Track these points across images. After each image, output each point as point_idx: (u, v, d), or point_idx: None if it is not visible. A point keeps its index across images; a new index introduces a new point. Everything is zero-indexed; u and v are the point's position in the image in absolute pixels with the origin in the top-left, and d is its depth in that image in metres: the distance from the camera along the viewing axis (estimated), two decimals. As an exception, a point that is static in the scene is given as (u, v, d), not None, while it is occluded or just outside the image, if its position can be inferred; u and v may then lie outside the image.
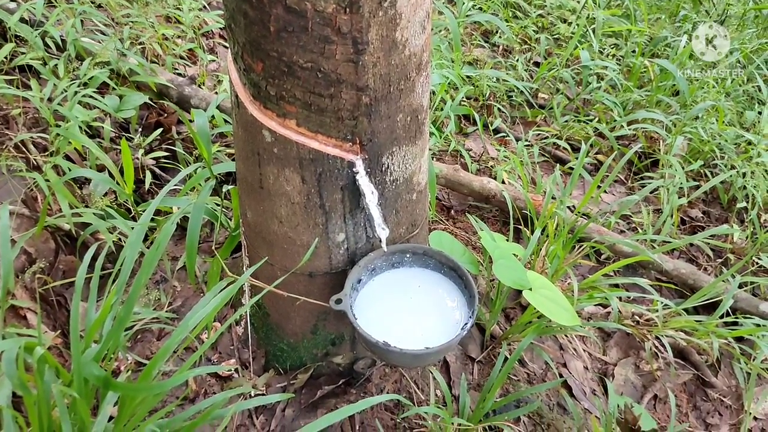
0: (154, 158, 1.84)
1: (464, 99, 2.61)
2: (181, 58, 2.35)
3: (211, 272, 1.40)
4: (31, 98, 1.57)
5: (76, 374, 0.91)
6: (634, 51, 3.12)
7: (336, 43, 0.99)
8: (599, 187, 2.34)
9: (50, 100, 1.70)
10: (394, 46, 1.05)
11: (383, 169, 1.21)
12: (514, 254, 1.59)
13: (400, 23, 1.02)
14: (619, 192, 2.57)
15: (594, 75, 2.86)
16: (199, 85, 2.11)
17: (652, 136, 2.76)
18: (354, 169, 1.16)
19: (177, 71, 2.25)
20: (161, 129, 1.93)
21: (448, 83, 2.41)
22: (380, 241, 1.22)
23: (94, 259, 1.57)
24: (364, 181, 1.16)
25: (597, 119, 2.73)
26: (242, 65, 1.08)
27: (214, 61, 2.42)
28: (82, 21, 1.93)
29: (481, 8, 3.15)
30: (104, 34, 2.08)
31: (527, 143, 2.49)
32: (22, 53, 1.76)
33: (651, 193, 2.52)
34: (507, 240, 1.72)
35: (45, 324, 1.33)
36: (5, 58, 1.73)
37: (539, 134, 2.64)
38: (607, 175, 2.41)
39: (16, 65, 1.73)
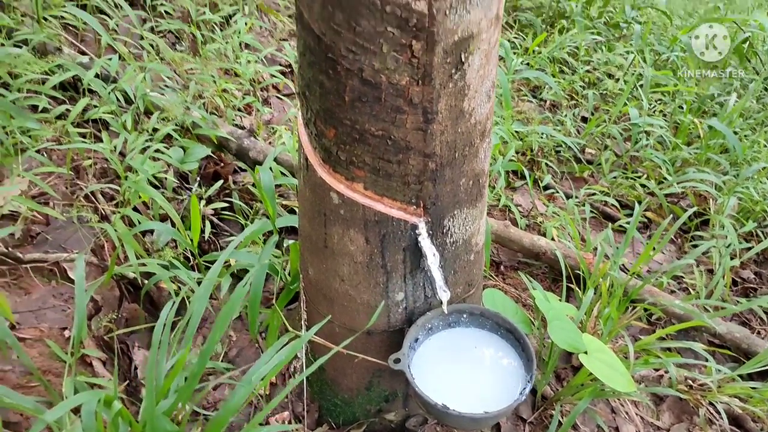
0: (213, 209, 1.90)
1: (512, 153, 2.64)
2: (239, 110, 2.43)
3: (271, 326, 1.43)
4: (101, 150, 1.65)
5: (149, 428, 0.93)
6: (681, 107, 3.12)
7: (407, 113, 1.03)
8: (654, 249, 2.33)
9: (121, 153, 1.77)
10: (461, 115, 1.08)
11: (444, 231, 1.23)
12: (567, 315, 1.59)
13: (468, 93, 1.06)
14: (669, 251, 2.54)
15: (643, 132, 2.87)
16: (256, 137, 2.18)
17: (701, 194, 2.74)
18: (416, 231, 1.18)
19: (234, 122, 2.33)
20: (220, 180, 1.99)
21: (498, 138, 2.45)
22: (441, 303, 1.24)
23: (157, 307, 1.62)
24: (426, 243, 1.19)
25: (646, 176, 2.72)
26: (314, 130, 1.13)
27: (269, 113, 2.50)
28: (151, 77, 2.02)
29: (528, 63, 3.20)
30: (167, 86, 2.17)
31: (577, 200, 2.49)
32: (95, 106, 1.85)
33: (703, 254, 2.49)
34: (559, 299, 1.72)
35: (109, 372, 1.37)
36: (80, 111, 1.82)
37: (587, 190, 2.64)
38: (662, 237, 2.39)
39: (90, 118, 1.82)
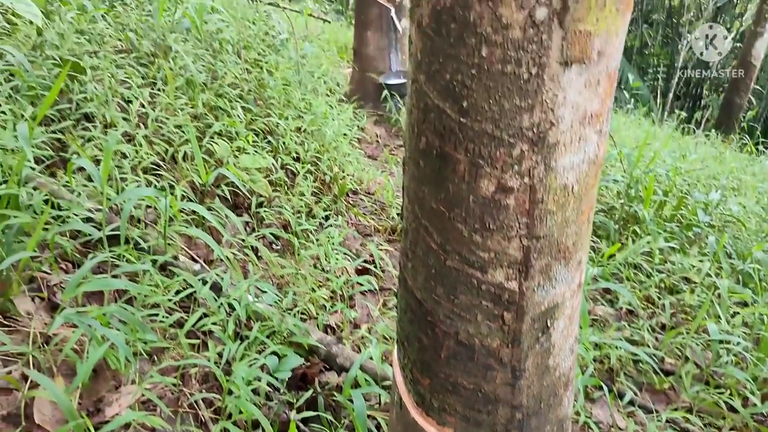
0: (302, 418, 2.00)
1: (592, 370, 2.66)
2: (325, 308, 2.60)
3: None
4: (207, 362, 1.81)
5: None
6: (762, 319, 3.09)
7: (497, 370, 1.13)
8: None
9: (226, 362, 1.94)
10: (547, 371, 1.18)
11: (529, 474, 1.28)
12: None
13: (552, 352, 1.16)
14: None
15: (724, 348, 2.85)
16: (343, 343, 2.31)
17: (792, 413, 2.64)
18: (502, 475, 1.24)
19: (324, 321, 2.49)
20: (309, 389, 2.11)
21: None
22: None
23: None
24: (511, 488, 1.23)
25: (729, 392, 2.67)
26: (410, 376, 1.24)
27: (355, 317, 2.66)
28: (254, 287, 2.23)
29: (603, 266, 3.30)
30: (264, 291, 2.37)
31: (658, 422, 2.45)
32: (204, 315, 2.05)
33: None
34: None
35: None
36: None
37: (669, 413, 2.60)
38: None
39: (199, 329, 2.01)
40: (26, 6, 2.08)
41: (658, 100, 13.87)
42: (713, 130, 8.60)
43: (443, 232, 1.06)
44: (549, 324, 1.12)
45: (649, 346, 2.85)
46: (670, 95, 14.53)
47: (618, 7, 0.89)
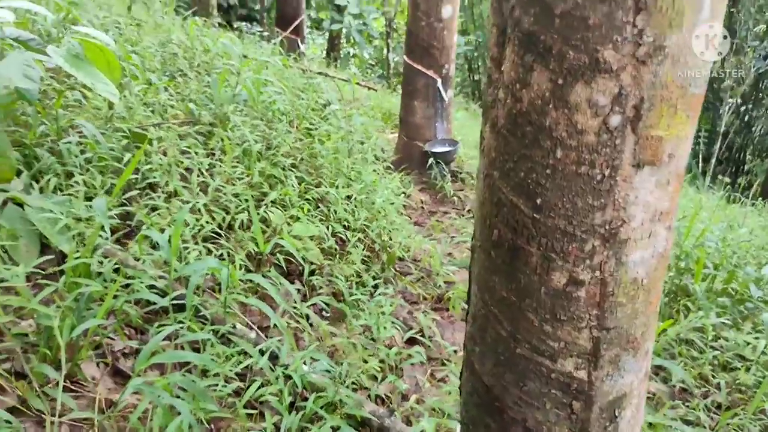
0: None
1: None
2: (375, 379, 2.61)
3: None
4: (263, 429, 1.83)
5: None
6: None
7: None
8: None
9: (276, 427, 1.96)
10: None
11: None
12: None
13: (619, 441, 1.17)
14: None
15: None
16: (395, 415, 2.32)
17: None
18: None
19: (375, 391, 2.50)
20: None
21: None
22: None
23: None
24: None
25: (792, 478, 2.56)
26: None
27: (406, 389, 2.66)
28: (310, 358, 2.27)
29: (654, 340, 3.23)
30: (316, 360, 2.40)
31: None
32: (261, 384, 2.09)
33: None
34: None
35: None
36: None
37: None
38: None
39: (256, 398, 2.04)
40: (105, 86, 2.23)
41: (700, 165, 13.74)
42: (760, 198, 8.46)
43: (514, 320, 1.09)
44: (617, 413, 1.13)
45: (705, 427, 2.77)
46: (713, 160, 14.40)
47: (687, 114, 0.94)
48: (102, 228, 2.09)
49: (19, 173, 2.43)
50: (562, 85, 0.91)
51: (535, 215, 1.00)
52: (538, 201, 0.99)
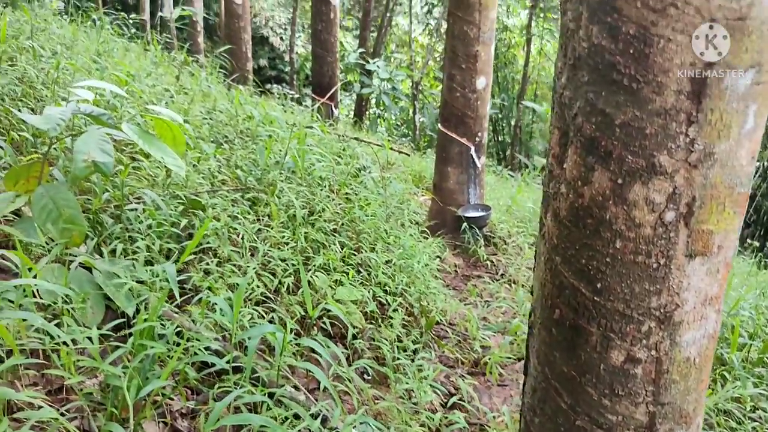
0: None
1: None
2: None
3: None
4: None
5: None
6: None
7: None
8: None
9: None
10: None
11: None
12: None
13: None
14: None
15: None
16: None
17: None
18: None
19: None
20: None
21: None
22: None
23: None
24: None
25: None
26: None
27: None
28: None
29: None
30: (362, 423, 2.47)
31: None
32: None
33: None
34: None
35: None
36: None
37: None
38: None
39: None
40: (173, 160, 2.41)
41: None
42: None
43: (573, 394, 1.18)
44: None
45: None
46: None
47: (735, 210, 1.05)
48: (170, 292, 2.22)
49: (86, 238, 2.59)
50: (621, 185, 1.03)
51: (595, 298, 1.11)
52: (599, 285, 1.10)
